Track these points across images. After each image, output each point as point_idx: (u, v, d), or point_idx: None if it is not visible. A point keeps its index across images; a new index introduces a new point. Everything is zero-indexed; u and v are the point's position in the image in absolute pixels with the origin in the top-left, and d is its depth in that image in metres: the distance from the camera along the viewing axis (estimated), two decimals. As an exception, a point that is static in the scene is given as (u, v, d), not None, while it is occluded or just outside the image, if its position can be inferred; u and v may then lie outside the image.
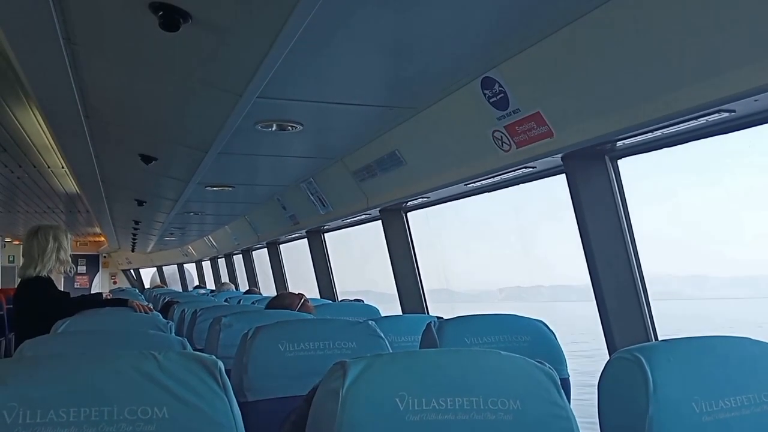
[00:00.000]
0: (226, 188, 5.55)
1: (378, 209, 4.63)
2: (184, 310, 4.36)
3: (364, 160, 4.12)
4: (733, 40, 1.73)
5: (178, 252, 14.19)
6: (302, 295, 3.17)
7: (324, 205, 5.28)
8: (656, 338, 2.80)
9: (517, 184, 3.29)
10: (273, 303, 3.19)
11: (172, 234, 10.50)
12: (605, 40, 2.13)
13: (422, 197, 4.06)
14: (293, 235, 7.24)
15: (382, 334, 2.28)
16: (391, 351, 2.25)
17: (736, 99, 1.79)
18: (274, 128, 3.44)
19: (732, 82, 1.76)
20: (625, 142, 2.49)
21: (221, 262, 12.17)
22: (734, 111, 1.95)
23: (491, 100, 2.68)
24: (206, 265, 13.96)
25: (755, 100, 1.80)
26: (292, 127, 3.42)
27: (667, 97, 2.03)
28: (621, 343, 2.74)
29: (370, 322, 2.37)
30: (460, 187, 3.58)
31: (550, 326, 2.47)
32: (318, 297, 6.21)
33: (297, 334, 2.21)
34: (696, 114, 1.98)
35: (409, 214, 4.67)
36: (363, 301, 4.47)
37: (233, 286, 9.53)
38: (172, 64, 2.64)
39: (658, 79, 2.04)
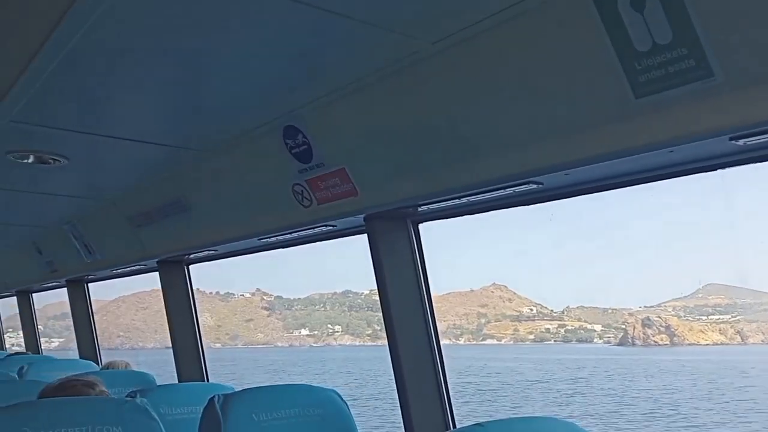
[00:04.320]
0: (-35, 227, 4.83)
1: (155, 260, 4.25)
2: None
3: (142, 204, 3.76)
4: (546, 113, 1.79)
5: None
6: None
7: (90, 252, 4.75)
8: (450, 402, 2.83)
9: (316, 241, 3.19)
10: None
11: None
12: (412, 102, 2.12)
13: (209, 250, 3.80)
14: (50, 284, 6.47)
15: (155, 415, 2.00)
16: (164, 432, 1.98)
17: (546, 172, 1.86)
18: (31, 160, 3.01)
19: (541, 155, 1.82)
20: (430, 206, 2.50)
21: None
22: (542, 183, 2.02)
23: (293, 151, 2.56)
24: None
25: (565, 174, 1.88)
26: (54, 160, 3.01)
27: (473, 165, 2.06)
28: (417, 411, 2.73)
29: (139, 399, 2.09)
30: (253, 242, 3.40)
31: (342, 396, 2.41)
32: (78, 358, 5.53)
33: (46, 418, 1.86)
34: (503, 184, 2.03)
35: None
36: (130, 365, 4.02)
37: (-32, 341, 8.37)
38: None
39: (464, 147, 2.06)
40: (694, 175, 1.88)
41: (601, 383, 34.70)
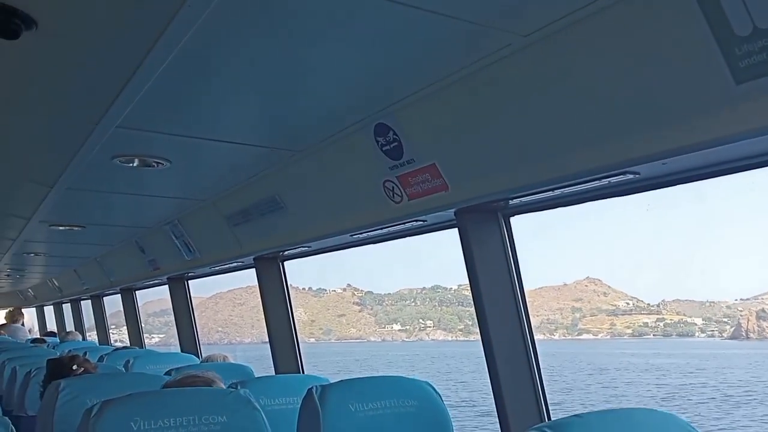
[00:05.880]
0: (75, 228, 5.18)
1: (252, 257, 4.43)
2: (15, 368, 3.94)
3: (239, 203, 3.93)
4: (643, 100, 1.77)
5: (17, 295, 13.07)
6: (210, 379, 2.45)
7: (190, 251, 5.00)
8: (545, 396, 2.83)
9: (407, 236, 3.25)
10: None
11: (8, 276, 9.64)
12: (504, 95, 2.13)
13: (302, 246, 3.93)
14: (152, 282, 6.85)
15: (258, 405, 2.12)
16: (266, 424, 2.09)
17: (643, 161, 1.83)
18: (135, 164, 3.21)
19: (638, 144, 1.80)
20: (522, 199, 2.51)
21: (66, 307, 11.31)
22: (639, 173, 2.00)
23: (384, 149, 2.63)
24: (48, 311, 12.93)
25: (663, 164, 1.85)
26: (157, 163, 3.20)
27: (566, 157, 2.05)
28: (512, 405, 2.75)
29: (242, 390, 2.21)
30: (345, 238, 3.49)
31: (437, 388, 2.45)
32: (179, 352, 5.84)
33: (154, 408, 1.99)
34: (598, 175, 2.02)
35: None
36: (228, 358, 4.22)
37: (80, 336, 8.95)
38: (7, 79, 2.34)
39: (557, 138, 2.06)
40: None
41: None
